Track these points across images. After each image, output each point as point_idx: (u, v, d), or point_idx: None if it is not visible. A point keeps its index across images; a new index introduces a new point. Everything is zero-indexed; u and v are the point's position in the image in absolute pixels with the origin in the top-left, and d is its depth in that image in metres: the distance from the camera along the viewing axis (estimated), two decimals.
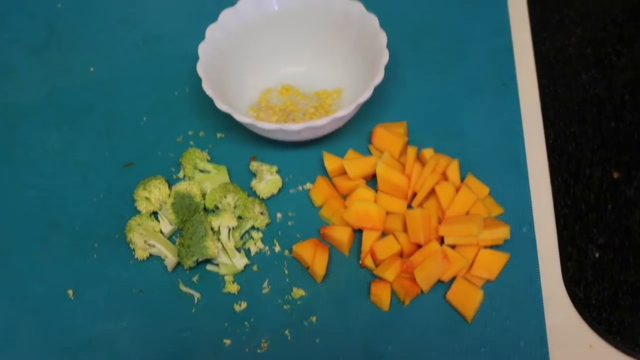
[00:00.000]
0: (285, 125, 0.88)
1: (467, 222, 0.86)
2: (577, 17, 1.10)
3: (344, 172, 0.93)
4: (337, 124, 0.92)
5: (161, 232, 0.91)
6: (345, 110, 0.88)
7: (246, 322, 0.85)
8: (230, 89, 0.97)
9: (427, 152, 0.93)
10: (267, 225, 0.92)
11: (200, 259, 0.87)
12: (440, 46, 1.06)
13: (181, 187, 0.91)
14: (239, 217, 0.91)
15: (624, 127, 0.99)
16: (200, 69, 0.92)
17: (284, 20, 1.01)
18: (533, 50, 1.06)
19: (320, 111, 0.98)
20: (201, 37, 0.95)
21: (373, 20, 0.95)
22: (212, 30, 0.96)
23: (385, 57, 0.91)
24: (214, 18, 0.97)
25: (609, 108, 1.00)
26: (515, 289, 0.85)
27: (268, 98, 1.01)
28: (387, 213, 0.89)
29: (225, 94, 0.95)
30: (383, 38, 0.93)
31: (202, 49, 0.95)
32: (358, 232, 0.90)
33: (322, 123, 0.88)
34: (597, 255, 0.89)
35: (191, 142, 0.99)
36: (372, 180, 0.93)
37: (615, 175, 0.95)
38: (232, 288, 0.87)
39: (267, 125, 0.88)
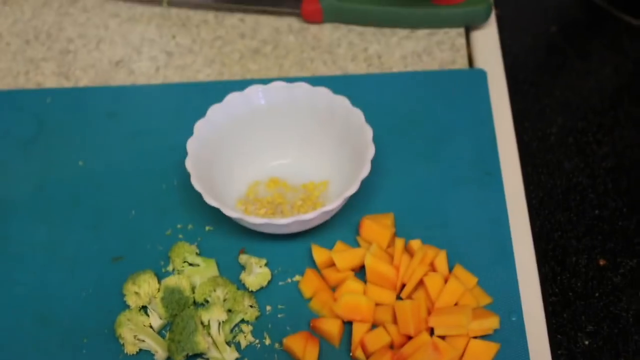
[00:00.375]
0: (273, 220, 0.89)
1: (457, 313, 0.86)
2: (558, 106, 1.12)
3: (332, 264, 0.93)
4: (325, 217, 0.93)
5: (151, 326, 0.91)
6: (333, 204, 0.90)
7: None
8: (218, 182, 0.98)
9: (415, 243, 0.93)
10: (257, 318, 0.91)
11: (190, 354, 0.87)
12: (425, 137, 1.07)
13: (170, 281, 0.92)
14: (229, 311, 0.91)
15: (608, 214, 1.00)
16: (189, 164, 0.93)
17: (270, 115, 1.02)
18: (516, 140, 1.07)
19: (307, 203, 0.99)
20: (188, 130, 0.96)
21: (358, 114, 0.96)
22: (200, 126, 0.98)
23: (371, 151, 0.92)
24: (200, 112, 0.98)
25: (592, 196, 1.02)
26: None
27: (256, 191, 1.02)
28: (377, 304, 0.89)
29: (214, 187, 0.96)
30: (369, 132, 0.94)
31: (191, 144, 0.96)
32: (348, 324, 0.90)
33: (310, 217, 0.89)
34: (586, 343, 0.90)
35: (180, 235, 0.99)
36: (360, 272, 0.94)
37: (601, 262, 0.96)
38: None
39: (255, 220, 0.89)
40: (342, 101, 0.98)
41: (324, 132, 1.02)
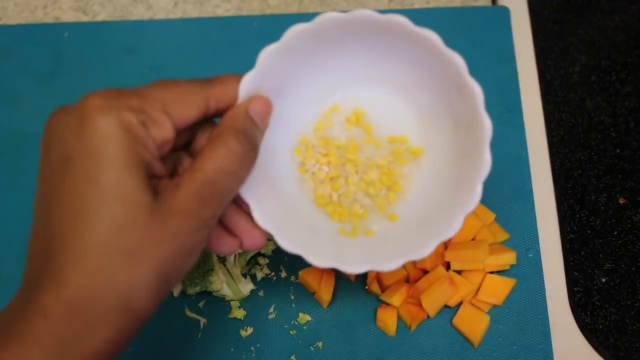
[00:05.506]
0: (340, 264, 0.68)
1: (474, 247, 0.86)
2: (581, 45, 1.10)
3: None
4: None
5: None
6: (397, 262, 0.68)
7: (252, 348, 0.85)
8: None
9: None
10: (273, 250, 0.91)
11: (203, 290, 0.87)
12: None
13: None
14: None
15: (629, 154, 0.99)
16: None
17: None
18: (538, 78, 1.06)
19: (383, 179, 0.74)
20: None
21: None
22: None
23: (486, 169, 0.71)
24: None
25: (613, 135, 1.01)
26: (522, 314, 0.85)
27: (329, 123, 0.75)
28: None
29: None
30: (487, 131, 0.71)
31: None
32: None
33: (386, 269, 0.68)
34: (603, 280, 0.89)
35: None
36: None
37: (621, 201, 0.95)
38: (238, 313, 0.86)
39: (317, 262, 0.67)
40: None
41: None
